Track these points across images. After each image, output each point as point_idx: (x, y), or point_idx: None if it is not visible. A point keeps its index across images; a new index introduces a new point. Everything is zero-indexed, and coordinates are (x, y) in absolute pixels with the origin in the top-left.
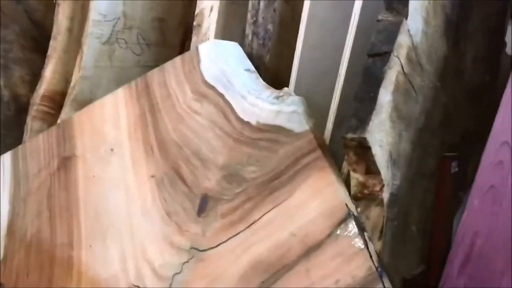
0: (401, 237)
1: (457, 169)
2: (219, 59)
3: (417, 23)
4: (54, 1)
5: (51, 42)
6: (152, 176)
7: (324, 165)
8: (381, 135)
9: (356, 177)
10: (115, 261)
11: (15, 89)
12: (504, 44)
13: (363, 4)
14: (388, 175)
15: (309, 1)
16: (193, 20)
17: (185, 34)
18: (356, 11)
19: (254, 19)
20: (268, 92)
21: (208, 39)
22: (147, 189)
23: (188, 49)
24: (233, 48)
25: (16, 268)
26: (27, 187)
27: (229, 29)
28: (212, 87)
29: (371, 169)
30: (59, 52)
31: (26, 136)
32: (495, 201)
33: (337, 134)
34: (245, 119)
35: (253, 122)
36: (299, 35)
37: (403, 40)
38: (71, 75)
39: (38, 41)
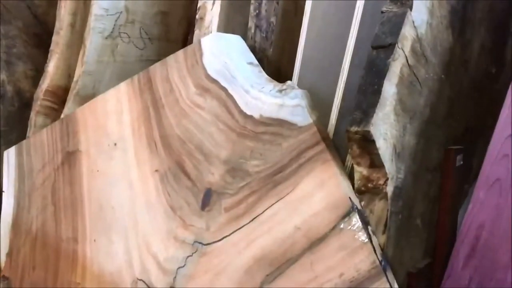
0: (406, 231)
1: (461, 162)
2: (222, 52)
3: (422, 14)
4: None
5: (54, 37)
6: (156, 171)
7: (327, 158)
8: (386, 128)
9: (360, 170)
10: (119, 255)
11: (18, 85)
12: (509, 34)
13: None
14: (392, 168)
15: None
16: (195, 13)
17: (188, 28)
18: (359, 3)
19: (257, 11)
20: (271, 86)
21: (211, 32)
22: (151, 184)
23: (190, 42)
24: (235, 41)
25: (22, 262)
26: (31, 182)
27: (232, 22)
28: (215, 81)
29: (375, 163)
30: (62, 47)
31: (30, 131)
32: (501, 194)
33: (341, 127)
34: (248, 112)
35: (256, 115)
36: (302, 27)
37: (407, 32)
38: (74, 70)
39: (41, 37)
